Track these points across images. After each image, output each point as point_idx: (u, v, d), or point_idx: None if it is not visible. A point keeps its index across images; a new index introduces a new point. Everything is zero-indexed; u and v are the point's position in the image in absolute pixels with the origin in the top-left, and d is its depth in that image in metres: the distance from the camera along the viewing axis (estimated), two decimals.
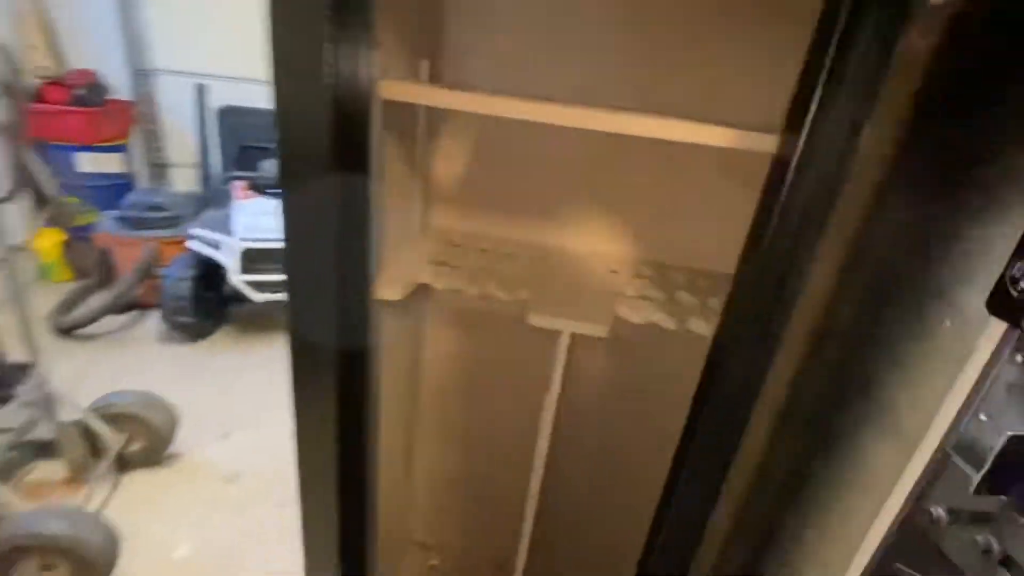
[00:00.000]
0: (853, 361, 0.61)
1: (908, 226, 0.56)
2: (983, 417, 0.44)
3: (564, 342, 1.00)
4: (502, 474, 1.36)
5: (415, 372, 1.33)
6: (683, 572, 0.82)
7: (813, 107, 0.58)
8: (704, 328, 1.02)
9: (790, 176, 0.61)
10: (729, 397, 0.72)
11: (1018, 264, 0.40)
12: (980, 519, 0.42)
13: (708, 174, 1.07)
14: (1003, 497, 0.40)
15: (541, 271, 1.09)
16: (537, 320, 0.93)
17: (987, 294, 0.46)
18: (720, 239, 0.92)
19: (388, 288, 0.87)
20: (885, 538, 0.53)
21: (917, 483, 0.49)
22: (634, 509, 1.00)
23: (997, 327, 0.44)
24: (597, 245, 1.21)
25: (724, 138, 0.72)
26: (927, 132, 0.56)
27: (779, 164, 0.65)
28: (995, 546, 0.40)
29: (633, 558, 0.91)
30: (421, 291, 1.04)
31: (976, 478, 0.41)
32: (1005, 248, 0.44)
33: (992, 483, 0.40)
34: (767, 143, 0.70)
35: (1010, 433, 0.39)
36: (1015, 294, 0.40)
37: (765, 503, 0.75)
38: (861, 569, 0.55)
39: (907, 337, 0.53)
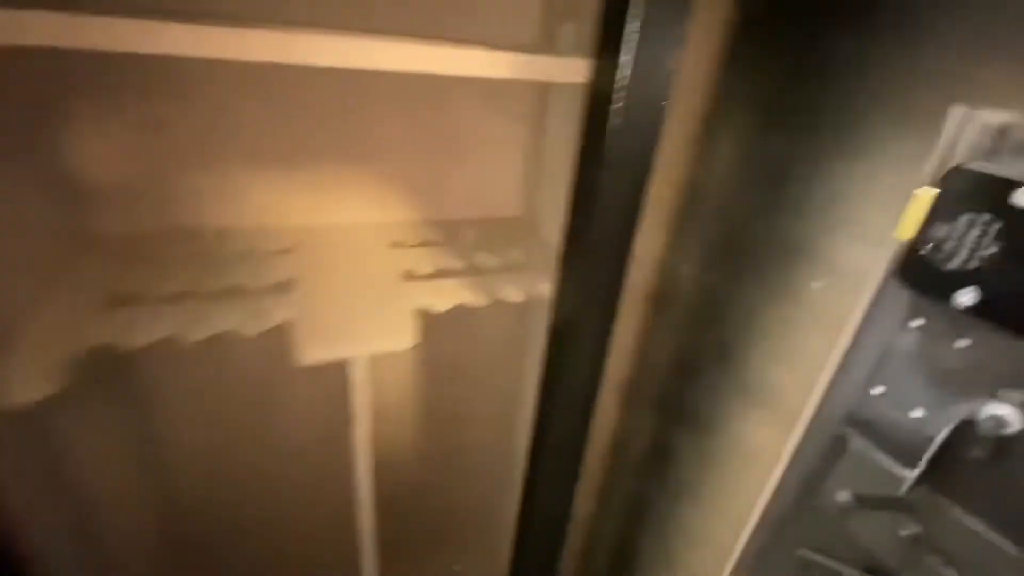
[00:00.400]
0: (703, 328, 0.54)
1: (746, 164, 0.48)
2: (880, 390, 0.40)
3: (359, 368, 0.74)
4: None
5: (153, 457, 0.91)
6: (553, 557, 0.74)
7: (628, 26, 0.43)
8: (515, 294, 0.88)
9: (617, 109, 0.47)
10: (572, 370, 0.61)
11: (936, 225, 0.32)
12: (890, 504, 0.38)
13: (474, 107, 0.88)
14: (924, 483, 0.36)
15: (301, 268, 0.78)
16: (311, 355, 0.66)
17: (859, 245, 0.40)
18: (502, 180, 0.77)
19: (22, 384, 0.49)
20: (778, 519, 0.49)
21: (808, 462, 0.45)
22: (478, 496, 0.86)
23: (882, 288, 0.38)
24: (369, 214, 0.94)
25: (518, 67, 0.54)
26: (753, 49, 0.46)
27: (597, 96, 0.50)
28: (916, 530, 0.37)
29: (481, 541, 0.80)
30: (99, 363, 0.63)
31: (911, 476, 0.35)
32: (875, 190, 0.37)
33: (932, 478, 0.35)
34: (573, 70, 0.55)
35: (960, 420, 0.33)
36: (937, 260, 0.33)
37: (628, 481, 0.69)
38: (752, 548, 0.52)
39: (768, 301, 0.47)
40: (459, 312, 0.83)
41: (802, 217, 0.42)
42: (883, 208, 0.37)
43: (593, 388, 0.63)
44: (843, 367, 0.42)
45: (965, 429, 0.34)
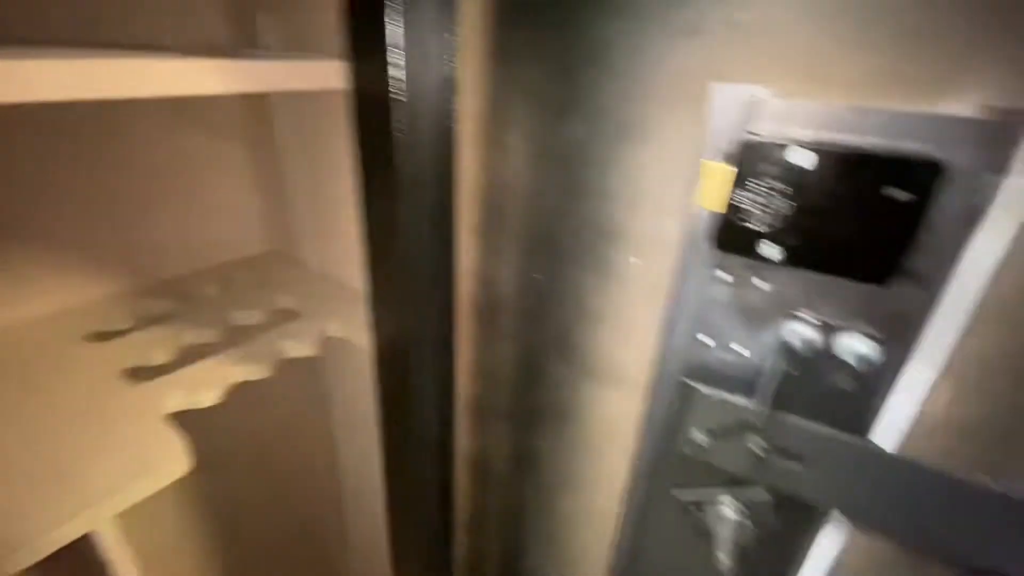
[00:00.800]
0: (538, 326, 0.53)
1: (545, 156, 0.47)
2: (706, 340, 0.44)
3: (107, 536, 0.52)
4: None
5: None
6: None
7: (388, 20, 0.37)
8: (299, 348, 0.76)
9: (398, 114, 0.40)
10: (418, 402, 0.54)
11: (732, 193, 0.36)
12: (738, 430, 0.44)
13: (168, 132, 0.69)
14: (762, 405, 0.42)
15: None
16: (30, 554, 0.43)
17: (665, 218, 0.42)
18: (235, 212, 0.63)
19: None
20: (647, 473, 0.52)
21: (662, 418, 0.48)
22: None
23: (688, 252, 0.41)
24: (50, 300, 0.67)
25: (232, 77, 0.41)
26: (523, 34, 0.44)
27: (370, 104, 0.41)
28: (765, 444, 0.43)
29: None
30: None
31: (750, 403, 0.40)
32: (668, 167, 0.40)
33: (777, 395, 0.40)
34: (325, 76, 0.45)
35: (775, 345, 0.39)
36: (738, 222, 0.36)
37: (502, 492, 0.66)
38: (631, 507, 0.55)
39: (595, 285, 0.48)
40: (241, 388, 0.65)
41: (609, 199, 0.43)
42: (680, 182, 0.39)
43: (446, 416, 0.56)
44: (670, 326, 0.46)
45: (781, 352, 0.40)
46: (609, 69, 0.39)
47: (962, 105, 0.31)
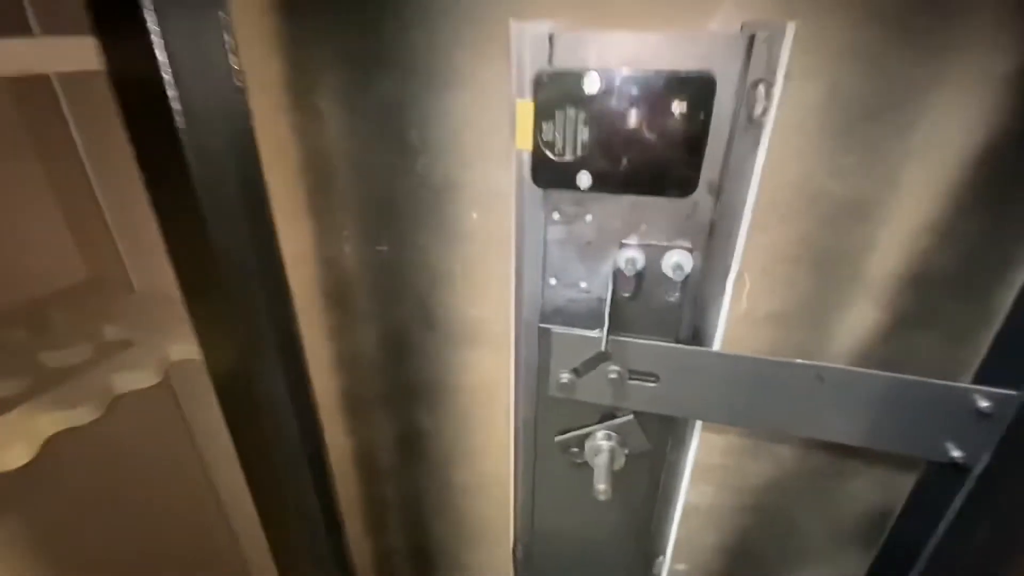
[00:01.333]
0: (395, 300, 0.51)
1: (364, 117, 0.45)
2: (553, 281, 0.46)
3: None
4: None
5: None
6: None
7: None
8: (135, 380, 0.69)
9: (170, 94, 0.36)
10: (271, 413, 0.50)
11: (542, 128, 0.37)
12: (595, 362, 0.46)
13: None
14: (606, 334, 0.44)
15: None
16: None
17: (494, 166, 0.43)
18: (30, 237, 0.55)
19: None
20: (529, 424, 0.53)
21: (530, 365, 0.50)
22: None
23: (520, 197, 0.43)
24: None
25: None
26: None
27: (129, 84, 0.36)
28: (619, 368, 0.46)
29: None
30: None
31: (603, 335, 0.43)
32: (487, 112, 0.41)
33: (615, 326, 0.43)
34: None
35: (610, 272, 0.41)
36: (553, 157, 0.38)
37: (392, 483, 0.64)
38: (521, 464, 0.56)
39: (443, 247, 0.47)
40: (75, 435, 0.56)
41: (438, 154, 0.43)
42: (504, 128, 0.40)
43: (306, 418, 0.53)
44: (520, 275, 0.47)
45: (615, 278, 0.43)
46: (410, 17, 0.39)
47: (725, 24, 0.36)
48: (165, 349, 0.70)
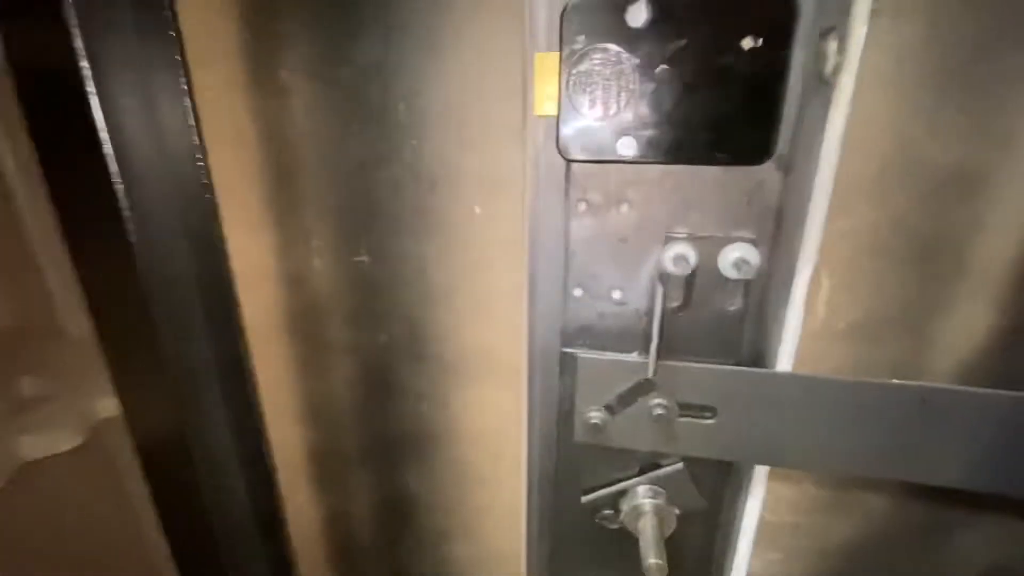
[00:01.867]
0: (379, 324, 0.41)
1: (327, 90, 0.36)
2: (578, 292, 0.37)
3: None
4: None
5: None
6: None
7: None
8: (49, 442, 0.57)
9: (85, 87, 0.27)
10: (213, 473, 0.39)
11: (573, 77, 0.29)
12: (638, 393, 0.37)
13: None
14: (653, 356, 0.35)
15: None
16: None
17: (499, 149, 0.35)
18: None
19: None
20: (546, 480, 0.42)
21: (550, 398, 0.39)
22: None
23: (538, 178, 0.34)
24: None
25: None
26: None
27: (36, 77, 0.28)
28: (665, 401, 0.36)
29: None
30: None
31: (651, 358, 0.33)
32: (486, 70, 0.33)
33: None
34: None
35: (656, 275, 0.32)
36: (587, 118, 0.29)
37: (376, 556, 0.50)
38: (537, 523, 0.44)
39: (439, 256, 0.38)
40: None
41: (430, 133, 0.34)
42: (512, 94, 0.32)
43: (257, 490, 0.41)
44: (535, 285, 0.37)
45: (662, 281, 0.34)
46: None
47: None
48: (92, 404, 0.58)
